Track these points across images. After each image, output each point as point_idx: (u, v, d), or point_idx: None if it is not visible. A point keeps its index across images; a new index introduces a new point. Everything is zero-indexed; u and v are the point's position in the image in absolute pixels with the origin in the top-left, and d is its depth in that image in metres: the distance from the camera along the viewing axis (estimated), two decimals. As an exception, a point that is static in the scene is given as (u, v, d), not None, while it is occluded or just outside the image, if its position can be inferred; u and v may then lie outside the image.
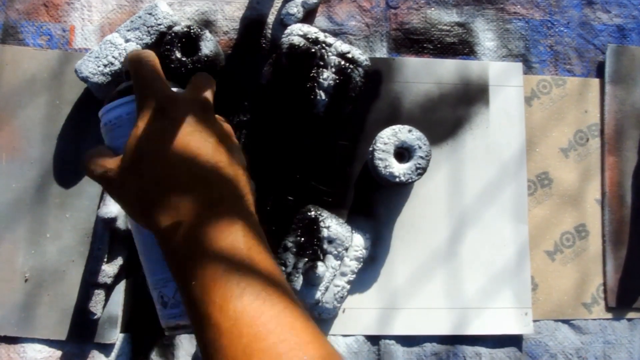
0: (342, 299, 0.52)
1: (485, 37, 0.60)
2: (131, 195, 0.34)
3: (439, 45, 0.59)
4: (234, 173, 0.35)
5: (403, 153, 0.53)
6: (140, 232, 0.37)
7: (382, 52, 0.59)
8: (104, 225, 0.51)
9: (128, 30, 0.53)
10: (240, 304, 0.30)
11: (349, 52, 0.53)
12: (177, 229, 0.32)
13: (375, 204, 0.56)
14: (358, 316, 0.54)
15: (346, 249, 0.52)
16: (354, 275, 0.52)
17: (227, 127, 0.38)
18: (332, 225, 0.51)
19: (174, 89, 0.37)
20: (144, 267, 0.38)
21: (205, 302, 0.30)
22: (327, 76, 0.52)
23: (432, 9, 0.60)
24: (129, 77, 0.37)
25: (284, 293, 0.32)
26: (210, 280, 0.31)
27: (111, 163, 0.35)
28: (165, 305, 0.36)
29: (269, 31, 0.58)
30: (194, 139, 0.34)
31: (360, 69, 0.53)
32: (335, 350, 0.31)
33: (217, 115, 0.38)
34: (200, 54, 0.52)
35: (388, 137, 0.52)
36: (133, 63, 0.36)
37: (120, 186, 0.35)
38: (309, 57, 0.52)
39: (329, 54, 0.53)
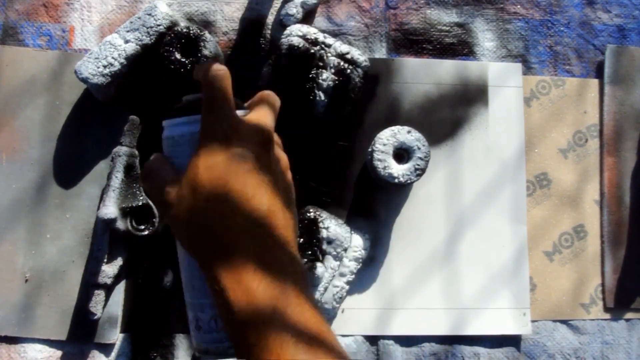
0: (341, 299, 0.52)
1: (485, 37, 0.60)
2: (184, 228, 0.34)
3: (438, 46, 0.59)
4: (285, 219, 0.35)
5: (402, 154, 0.53)
6: (185, 255, 0.37)
7: (381, 52, 0.59)
8: (104, 226, 0.51)
9: (127, 31, 0.53)
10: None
11: (348, 53, 0.53)
12: (235, 286, 0.32)
13: (374, 205, 0.56)
14: (357, 316, 0.54)
15: (345, 250, 0.52)
16: (353, 276, 0.52)
17: (284, 160, 0.37)
18: (331, 226, 0.51)
19: (240, 112, 0.36)
20: (184, 284, 0.37)
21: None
22: (327, 77, 0.52)
23: (432, 9, 0.60)
24: (199, 86, 0.37)
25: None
26: (267, 340, 0.31)
27: (171, 186, 0.34)
28: (199, 329, 0.36)
29: (269, 32, 0.58)
30: (251, 180, 0.33)
31: (359, 70, 0.53)
32: None
33: (276, 140, 0.37)
34: (199, 54, 0.52)
35: (387, 138, 0.52)
36: (206, 80, 0.35)
37: (176, 215, 0.34)
38: (308, 58, 0.52)
39: (328, 54, 0.53)
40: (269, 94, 0.38)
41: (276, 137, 0.38)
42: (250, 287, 0.31)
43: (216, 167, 0.33)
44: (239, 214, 0.33)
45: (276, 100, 0.38)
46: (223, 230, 0.33)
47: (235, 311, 0.31)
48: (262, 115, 0.36)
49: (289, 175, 0.38)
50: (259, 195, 0.33)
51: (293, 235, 0.35)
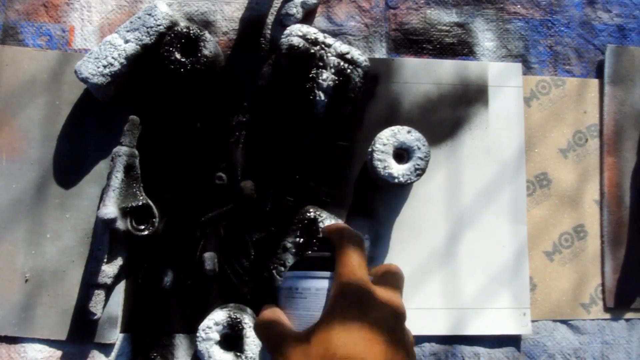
0: (341, 299, 0.52)
1: (485, 37, 0.60)
2: None
3: (438, 46, 0.59)
4: None
5: (402, 154, 0.53)
6: None
7: (381, 52, 0.59)
8: (104, 226, 0.51)
9: (127, 31, 0.53)
10: None
11: (348, 53, 0.53)
12: None
13: (374, 205, 0.56)
14: (357, 316, 0.54)
15: (345, 250, 0.52)
16: (353, 276, 0.52)
17: (411, 335, 0.37)
18: (331, 226, 0.51)
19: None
20: None
21: None
22: (327, 77, 0.52)
23: (432, 9, 0.60)
24: (323, 244, 0.37)
25: None
26: None
27: (288, 336, 0.34)
28: None
29: (269, 32, 0.58)
30: (386, 353, 0.33)
31: (359, 70, 0.53)
32: None
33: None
34: (199, 54, 0.52)
35: (387, 138, 0.52)
36: (344, 244, 0.36)
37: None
38: (308, 57, 0.52)
39: (328, 54, 0.53)
40: (397, 269, 0.38)
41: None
42: None
43: (352, 337, 0.32)
44: None
45: (403, 277, 0.38)
46: None
47: None
48: (393, 290, 0.36)
49: (413, 349, 0.37)
50: None
51: None
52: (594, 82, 0.60)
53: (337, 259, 0.36)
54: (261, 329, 0.36)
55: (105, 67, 0.52)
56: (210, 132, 0.56)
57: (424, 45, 0.59)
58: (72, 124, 0.55)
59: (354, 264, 0.35)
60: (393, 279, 0.37)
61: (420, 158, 0.52)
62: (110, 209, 0.50)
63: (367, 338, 0.33)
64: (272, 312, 0.37)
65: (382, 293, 0.35)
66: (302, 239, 0.51)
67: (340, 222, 0.36)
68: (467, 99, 0.58)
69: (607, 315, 0.57)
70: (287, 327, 0.35)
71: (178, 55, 0.52)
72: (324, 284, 0.36)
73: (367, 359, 0.32)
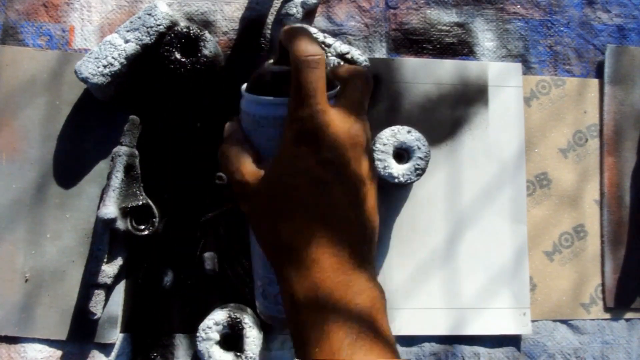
0: (341, 299, 0.52)
1: (485, 37, 0.60)
2: (259, 217, 0.32)
3: (438, 46, 0.59)
4: (372, 221, 0.32)
5: (402, 154, 0.53)
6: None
7: (381, 52, 0.59)
8: (104, 226, 0.51)
9: (127, 31, 0.53)
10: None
11: (348, 53, 0.53)
12: (303, 282, 0.30)
13: (374, 205, 0.56)
14: (357, 316, 0.54)
15: (345, 250, 0.52)
16: (353, 276, 0.52)
17: (371, 162, 0.34)
18: (331, 226, 0.51)
19: (331, 93, 0.32)
20: (255, 255, 0.37)
21: (317, 346, 0.29)
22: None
23: (432, 9, 0.60)
24: (285, 55, 0.32)
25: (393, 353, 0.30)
26: (326, 329, 0.29)
27: (251, 173, 0.32)
28: (265, 298, 0.37)
29: (268, 32, 0.58)
30: (338, 192, 0.31)
31: (359, 70, 0.53)
32: None
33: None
34: (199, 54, 0.52)
35: (387, 138, 0.52)
36: (299, 62, 0.30)
37: (251, 200, 0.32)
38: (308, 58, 0.52)
39: (329, 54, 0.53)
40: (363, 73, 0.34)
41: (367, 128, 0.33)
42: (320, 279, 0.30)
43: (302, 174, 0.30)
44: (322, 229, 0.30)
45: (370, 82, 0.34)
46: (304, 243, 0.30)
47: (298, 305, 0.30)
48: (355, 106, 0.32)
49: (376, 181, 0.34)
50: (344, 208, 0.31)
51: (374, 246, 0.33)
52: (594, 82, 0.60)
53: (292, 84, 0.30)
54: (227, 170, 0.33)
55: (105, 67, 0.52)
56: (210, 132, 0.56)
57: (424, 45, 0.59)
58: (72, 124, 0.55)
59: (310, 90, 0.30)
60: (356, 93, 0.33)
61: (420, 158, 0.52)
62: (110, 209, 0.50)
63: (319, 173, 0.30)
64: (240, 150, 0.33)
65: (339, 123, 0.31)
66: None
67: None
68: (467, 99, 0.58)
69: (607, 315, 0.57)
70: (249, 151, 0.32)
71: (178, 55, 0.52)
72: (282, 111, 0.32)
73: (318, 192, 0.30)
